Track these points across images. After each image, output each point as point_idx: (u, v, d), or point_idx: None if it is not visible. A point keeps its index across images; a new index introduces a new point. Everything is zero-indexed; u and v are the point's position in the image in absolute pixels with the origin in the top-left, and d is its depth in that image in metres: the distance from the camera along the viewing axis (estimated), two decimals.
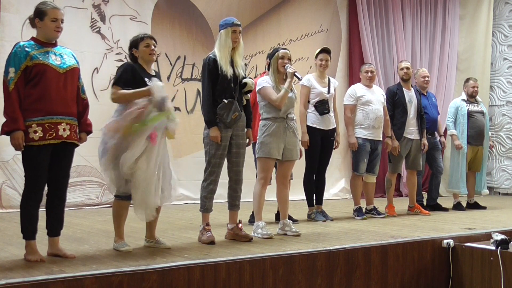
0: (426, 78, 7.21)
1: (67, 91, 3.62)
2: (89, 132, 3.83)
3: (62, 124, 3.58)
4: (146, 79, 3.96)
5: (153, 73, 4.16)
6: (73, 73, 3.68)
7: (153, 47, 4.09)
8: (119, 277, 3.21)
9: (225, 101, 4.36)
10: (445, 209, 7.06)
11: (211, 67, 4.41)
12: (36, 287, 2.96)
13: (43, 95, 3.51)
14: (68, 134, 3.61)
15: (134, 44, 4.12)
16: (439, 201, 7.28)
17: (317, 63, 5.92)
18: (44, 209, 3.69)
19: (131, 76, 3.97)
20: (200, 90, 4.62)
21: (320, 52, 5.94)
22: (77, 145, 3.76)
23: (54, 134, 3.54)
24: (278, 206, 5.38)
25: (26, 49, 3.54)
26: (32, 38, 3.66)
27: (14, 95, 3.47)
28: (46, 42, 3.64)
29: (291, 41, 8.80)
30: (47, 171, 3.58)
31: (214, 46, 4.53)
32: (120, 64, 7.20)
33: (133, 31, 7.47)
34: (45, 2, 3.68)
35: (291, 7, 8.92)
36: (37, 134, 3.49)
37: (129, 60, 4.19)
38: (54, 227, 3.70)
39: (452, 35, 10.33)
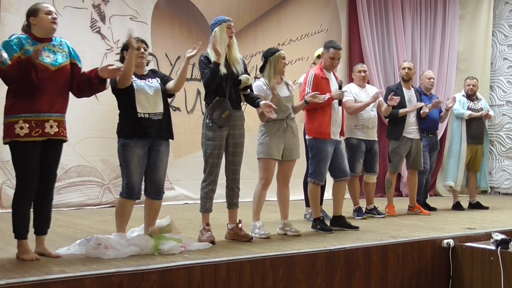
0: (432, 80, 7.31)
1: (57, 89, 3.59)
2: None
3: (50, 121, 3.55)
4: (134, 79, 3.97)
5: (145, 73, 4.12)
6: (64, 70, 3.65)
7: (142, 50, 4.03)
8: (119, 277, 3.21)
9: (217, 97, 4.31)
10: (433, 209, 7.09)
11: (206, 62, 4.34)
12: (36, 287, 2.97)
13: (32, 92, 3.48)
14: (56, 131, 3.58)
15: (125, 47, 4.07)
16: (434, 200, 7.27)
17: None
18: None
19: None
20: (200, 90, 4.58)
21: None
22: (65, 141, 3.73)
23: (40, 131, 3.52)
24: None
25: (22, 41, 3.53)
26: (28, 33, 3.64)
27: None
28: (41, 38, 3.62)
29: (291, 41, 8.80)
30: (37, 169, 3.56)
31: None
32: (120, 64, 7.26)
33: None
34: (35, 3, 3.69)
35: (291, 7, 8.92)
36: (23, 130, 3.47)
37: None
38: (40, 226, 3.70)
39: (452, 35, 10.33)
